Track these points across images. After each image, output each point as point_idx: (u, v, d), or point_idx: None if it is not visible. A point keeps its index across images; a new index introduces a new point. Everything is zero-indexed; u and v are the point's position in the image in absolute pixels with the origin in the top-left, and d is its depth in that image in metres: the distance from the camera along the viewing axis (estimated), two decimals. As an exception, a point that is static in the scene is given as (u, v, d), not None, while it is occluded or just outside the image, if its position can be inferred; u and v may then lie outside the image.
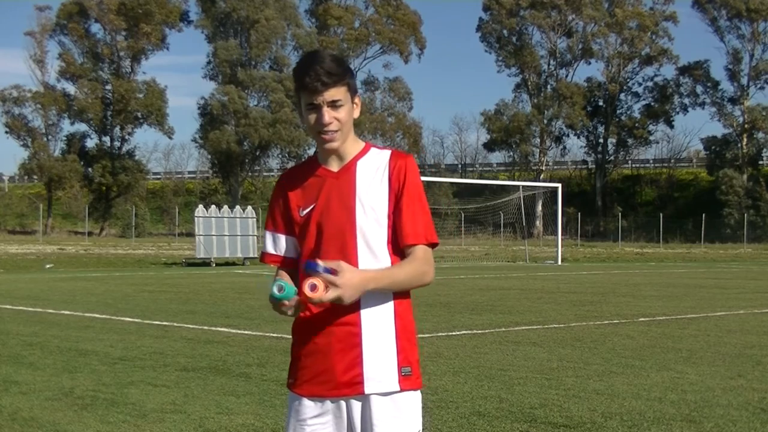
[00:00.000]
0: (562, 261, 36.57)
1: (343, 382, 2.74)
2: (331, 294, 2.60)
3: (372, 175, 2.81)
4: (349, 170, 2.82)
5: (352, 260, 2.74)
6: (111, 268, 29.79)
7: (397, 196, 2.80)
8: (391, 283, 2.74)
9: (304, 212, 2.81)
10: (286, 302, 2.66)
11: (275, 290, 2.64)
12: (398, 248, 2.81)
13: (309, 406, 2.79)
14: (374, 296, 2.75)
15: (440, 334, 11.18)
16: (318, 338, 2.77)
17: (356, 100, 2.84)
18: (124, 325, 12.18)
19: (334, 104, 2.75)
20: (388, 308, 2.78)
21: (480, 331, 11.52)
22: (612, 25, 70.65)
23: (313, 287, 2.58)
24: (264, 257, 2.95)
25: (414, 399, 2.81)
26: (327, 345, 2.75)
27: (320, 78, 2.71)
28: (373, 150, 2.88)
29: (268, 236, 2.93)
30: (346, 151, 2.83)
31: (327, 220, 2.77)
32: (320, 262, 2.61)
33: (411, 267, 2.78)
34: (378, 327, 2.75)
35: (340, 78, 2.75)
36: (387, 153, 2.87)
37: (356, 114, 2.85)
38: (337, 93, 2.75)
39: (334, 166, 2.84)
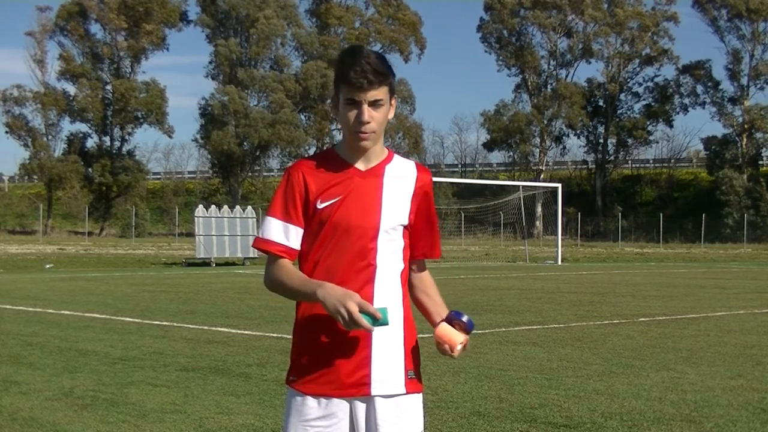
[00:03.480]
0: (562, 261, 36.55)
1: (350, 383, 2.73)
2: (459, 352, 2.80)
3: (398, 181, 2.82)
4: (377, 172, 2.80)
5: (369, 259, 2.74)
6: (111, 268, 29.78)
7: (419, 209, 2.84)
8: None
9: (323, 205, 2.75)
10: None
11: (371, 323, 2.62)
12: (408, 254, 2.86)
13: (313, 406, 2.76)
14: (386, 299, 2.75)
15: (440, 334, 11.16)
16: (325, 337, 2.75)
17: (393, 101, 2.80)
18: (124, 325, 12.17)
19: (375, 103, 2.71)
20: (398, 312, 2.79)
21: (480, 331, 11.51)
22: (612, 25, 70.62)
23: (464, 347, 2.79)
24: (269, 245, 2.78)
25: (417, 401, 2.82)
26: (335, 345, 2.74)
27: (367, 75, 2.67)
28: (397, 157, 2.88)
29: (278, 224, 2.78)
30: (374, 153, 2.80)
31: (349, 218, 2.74)
32: (468, 319, 2.80)
33: (436, 286, 3.02)
34: (388, 330, 2.75)
35: (385, 77, 2.71)
36: (412, 164, 2.89)
37: (391, 115, 2.81)
38: (380, 93, 2.71)
39: (361, 166, 2.80)
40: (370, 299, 2.72)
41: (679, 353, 9.55)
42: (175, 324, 12.29)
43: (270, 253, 2.79)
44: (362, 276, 2.74)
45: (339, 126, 2.86)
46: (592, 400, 6.96)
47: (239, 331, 11.43)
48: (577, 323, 12.55)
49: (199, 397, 7.08)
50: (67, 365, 8.68)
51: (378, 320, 2.60)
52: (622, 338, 10.84)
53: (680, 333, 11.46)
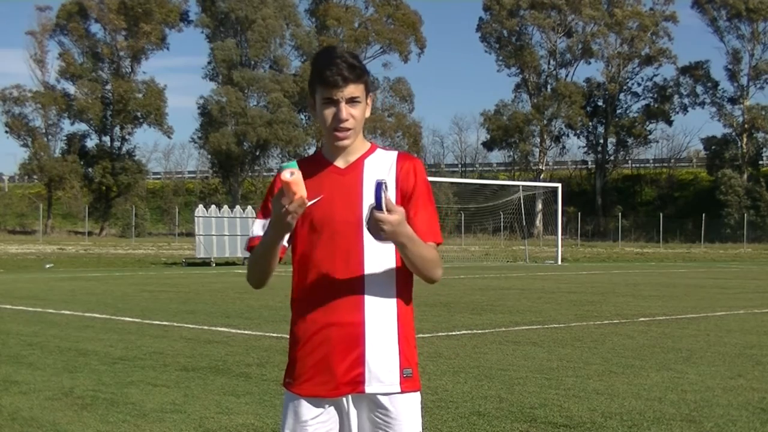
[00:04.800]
0: (562, 261, 36.55)
1: (344, 382, 2.73)
2: (394, 217, 2.55)
3: (379, 174, 2.79)
4: (356, 168, 2.80)
5: (358, 256, 2.73)
6: (111, 268, 29.78)
7: (406, 197, 2.78)
8: (419, 251, 2.70)
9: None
10: (291, 184, 2.55)
11: (287, 174, 2.56)
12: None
13: (308, 407, 2.77)
14: (378, 297, 2.75)
15: (440, 334, 11.18)
16: (320, 338, 2.75)
17: (369, 99, 2.82)
18: (124, 325, 12.18)
19: (352, 101, 2.73)
20: (391, 310, 2.77)
21: (480, 331, 11.52)
22: (612, 25, 70.64)
23: (292, 173, 2.55)
24: (252, 242, 2.84)
25: (414, 400, 2.80)
26: (329, 345, 2.74)
27: (342, 73, 2.69)
28: (379, 150, 2.87)
29: (260, 224, 2.84)
30: (354, 149, 2.82)
31: (331, 216, 2.75)
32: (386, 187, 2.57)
33: (432, 253, 2.78)
34: (381, 328, 2.74)
35: (361, 74, 2.73)
36: (394, 154, 2.86)
37: (368, 113, 2.83)
38: (356, 90, 2.73)
39: (340, 163, 2.82)
40: (360, 295, 2.73)
41: (679, 353, 9.55)
42: (175, 324, 12.29)
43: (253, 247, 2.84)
44: (351, 273, 2.74)
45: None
46: (592, 400, 6.96)
47: (239, 331, 11.43)
48: (577, 323, 12.55)
49: (199, 397, 7.08)
50: (67, 365, 8.68)
51: (284, 167, 2.58)
52: (622, 338, 10.84)
53: (680, 333, 11.46)
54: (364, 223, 2.63)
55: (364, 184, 2.77)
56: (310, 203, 2.68)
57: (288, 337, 2.89)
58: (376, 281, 2.75)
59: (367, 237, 2.73)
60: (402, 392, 2.76)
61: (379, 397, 2.75)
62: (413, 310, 2.87)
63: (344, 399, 2.76)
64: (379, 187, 2.57)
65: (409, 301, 2.84)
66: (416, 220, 2.78)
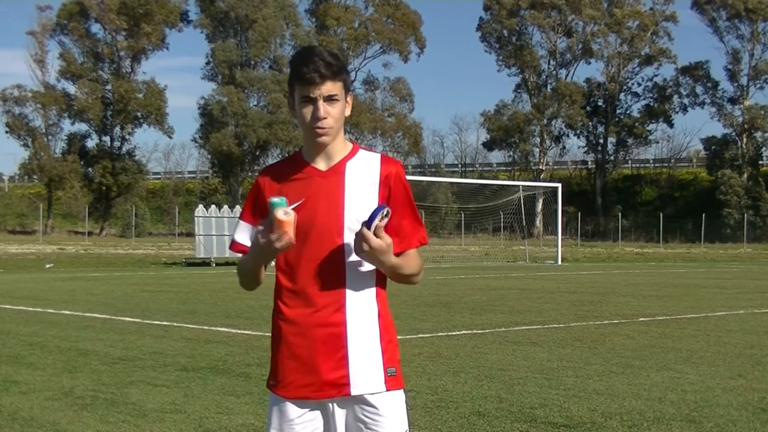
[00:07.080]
0: (562, 261, 36.55)
1: (329, 384, 2.74)
2: (384, 241, 2.64)
3: (361, 177, 2.79)
4: (338, 171, 2.79)
5: (339, 259, 2.74)
6: (111, 268, 29.77)
7: (388, 202, 2.78)
8: (401, 272, 2.77)
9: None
10: (280, 217, 2.61)
11: (282, 213, 2.61)
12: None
13: (293, 407, 2.78)
14: (359, 298, 2.76)
15: (440, 334, 11.18)
16: (302, 340, 2.75)
17: (348, 98, 2.81)
18: (124, 325, 12.18)
19: (330, 99, 2.72)
20: (372, 311, 2.78)
21: (480, 331, 11.52)
22: (612, 25, 70.68)
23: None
24: (235, 246, 2.87)
25: (399, 398, 2.81)
26: (312, 347, 2.74)
27: (319, 70, 2.69)
28: (361, 152, 2.85)
29: (243, 227, 2.85)
30: (335, 150, 2.80)
31: (313, 219, 2.75)
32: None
33: (416, 263, 2.81)
34: (363, 329, 2.75)
35: (338, 72, 2.73)
36: (377, 157, 2.85)
37: (347, 112, 2.82)
38: (334, 88, 2.73)
39: (322, 165, 2.80)
40: (342, 297, 2.74)
41: (679, 353, 9.55)
42: (175, 324, 12.29)
43: (236, 252, 2.89)
44: (333, 275, 2.74)
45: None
46: (592, 400, 6.96)
47: (239, 331, 11.43)
48: (577, 323, 12.55)
49: (199, 397, 7.09)
50: (67, 365, 8.68)
51: (276, 205, 2.64)
52: (622, 338, 10.84)
53: (680, 333, 11.46)
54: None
55: (346, 188, 2.77)
56: (291, 207, 2.71)
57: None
58: (357, 283, 2.76)
59: (348, 238, 2.73)
60: (387, 391, 2.77)
61: (365, 396, 2.75)
62: (389, 311, 2.87)
63: (329, 401, 2.77)
64: (378, 210, 2.63)
65: (385, 298, 2.85)
66: (396, 228, 2.78)
